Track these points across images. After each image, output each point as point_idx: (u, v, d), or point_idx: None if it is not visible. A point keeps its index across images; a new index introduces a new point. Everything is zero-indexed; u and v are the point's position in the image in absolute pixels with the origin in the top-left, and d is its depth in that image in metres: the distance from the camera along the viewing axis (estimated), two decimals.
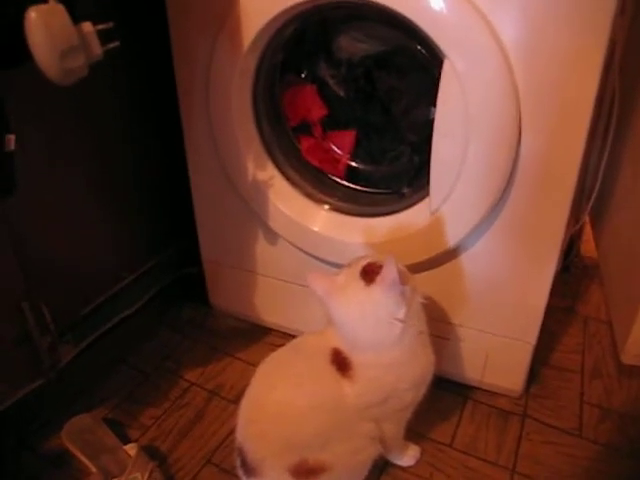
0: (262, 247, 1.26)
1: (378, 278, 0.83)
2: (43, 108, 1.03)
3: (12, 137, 0.77)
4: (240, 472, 0.92)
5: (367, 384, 0.87)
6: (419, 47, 1.00)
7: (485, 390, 1.20)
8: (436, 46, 0.88)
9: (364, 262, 0.86)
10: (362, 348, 0.87)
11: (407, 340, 0.87)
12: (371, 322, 0.85)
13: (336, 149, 1.20)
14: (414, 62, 1.04)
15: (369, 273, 0.84)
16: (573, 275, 1.60)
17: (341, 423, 0.88)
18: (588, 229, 1.68)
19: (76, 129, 1.12)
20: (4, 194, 0.82)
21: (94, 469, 1.00)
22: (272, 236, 1.22)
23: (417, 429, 1.08)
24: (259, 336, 1.36)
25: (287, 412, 0.86)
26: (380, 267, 0.83)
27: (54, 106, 1.05)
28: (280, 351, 0.94)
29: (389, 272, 0.81)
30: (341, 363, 0.87)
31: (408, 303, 0.84)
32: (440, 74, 0.89)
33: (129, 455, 1.02)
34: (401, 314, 0.84)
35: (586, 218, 1.56)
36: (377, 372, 0.87)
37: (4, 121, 0.77)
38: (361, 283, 0.84)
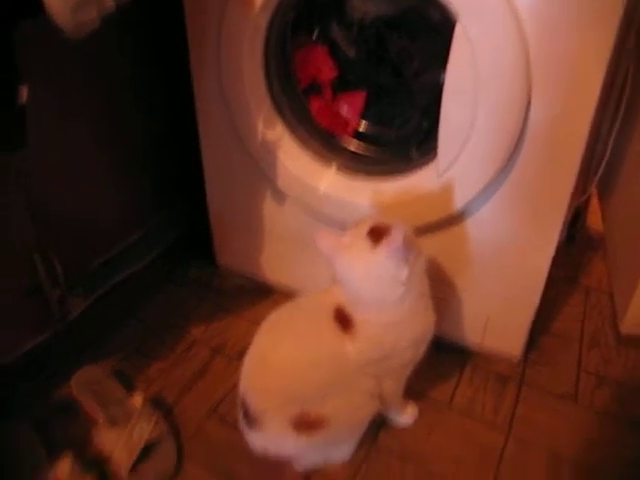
0: (270, 206, 1.27)
1: (384, 241, 0.84)
2: (52, 64, 1.03)
3: (24, 89, 0.77)
4: (242, 424, 0.95)
5: (368, 341, 0.89)
6: (431, 10, 0.99)
7: (484, 355, 1.22)
8: (448, 9, 0.87)
9: (371, 223, 0.87)
10: (364, 306, 0.89)
11: (408, 301, 0.89)
12: (374, 282, 0.87)
13: (346, 111, 1.19)
14: (426, 25, 1.03)
15: (376, 235, 0.85)
16: (577, 246, 1.60)
17: (342, 378, 0.90)
18: (595, 201, 1.68)
19: (85, 85, 1.12)
20: (17, 147, 0.83)
21: (102, 418, 1.03)
22: (279, 195, 1.22)
23: (416, 388, 1.10)
24: (264, 295, 1.38)
25: (289, 366, 0.88)
26: (387, 229, 0.84)
27: (62, 62, 1.05)
28: (284, 307, 0.96)
29: (396, 238, 0.82)
30: (343, 320, 0.89)
31: (411, 267, 0.85)
32: (452, 37, 0.88)
33: (135, 406, 1.05)
34: (403, 276, 0.85)
35: (594, 189, 1.56)
36: (378, 330, 0.89)
37: (16, 72, 0.77)
38: (367, 244, 0.85)
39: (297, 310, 0.96)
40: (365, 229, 0.87)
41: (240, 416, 0.96)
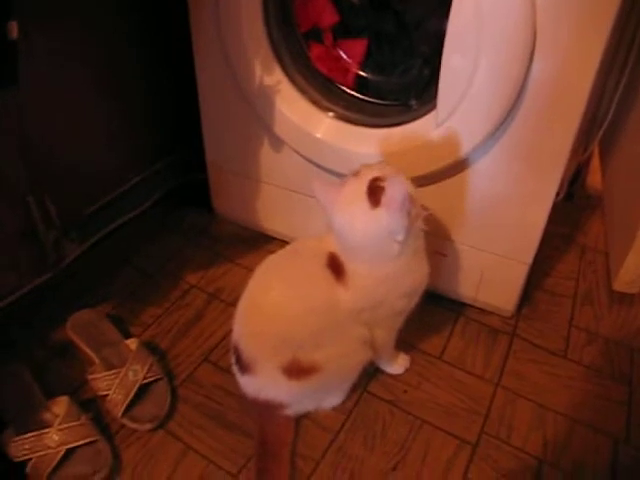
0: (267, 154, 1.26)
1: (383, 200, 0.82)
2: (48, 8, 1.00)
3: (14, 24, 0.75)
4: (235, 369, 0.97)
5: (359, 292, 0.89)
6: None
7: (478, 308, 1.24)
8: None
9: (371, 175, 0.85)
10: (357, 258, 0.89)
11: (403, 257, 0.88)
12: (370, 240, 0.86)
13: (346, 58, 1.17)
14: None
15: (376, 193, 0.83)
16: (576, 204, 1.60)
17: (334, 325, 0.90)
18: (596, 160, 1.67)
19: (81, 28, 1.09)
20: (8, 83, 0.81)
21: (97, 360, 1.05)
22: (277, 143, 1.21)
23: (409, 340, 1.12)
24: (260, 244, 1.39)
25: (282, 312, 0.89)
26: (387, 187, 0.83)
27: (60, 6, 1.03)
28: (278, 253, 0.96)
29: (395, 198, 0.81)
30: (336, 268, 0.89)
31: (409, 227, 0.85)
32: None
33: (130, 349, 1.06)
34: (401, 237, 0.84)
35: (596, 148, 1.54)
36: (369, 282, 0.89)
37: (7, 7, 0.75)
38: (366, 203, 0.84)
39: (291, 256, 0.96)
40: (365, 183, 0.85)
41: (233, 361, 0.97)
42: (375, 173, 0.85)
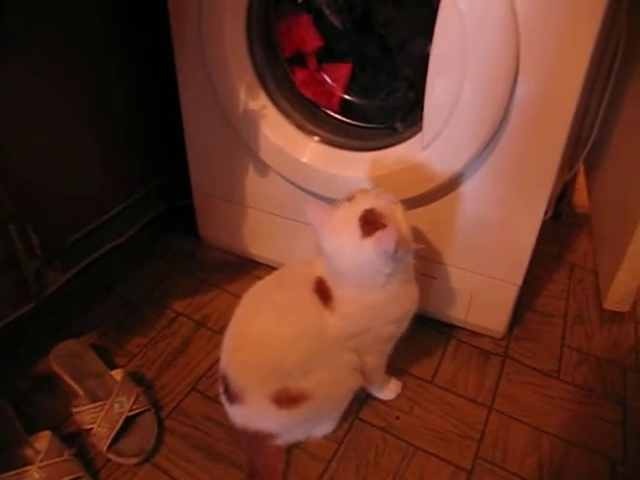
0: (252, 179, 1.25)
1: (376, 235, 0.81)
2: (31, 31, 1.00)
3: None
4: (224, 398, 0.95)
5: (346, 318, 0.88)
6: None
7: (468, 330, 1.22)
8: None
9: (367, 204, 0.84)
10: (345, 285, 0.88)
11: (390, 286, 0.87)
12: (357, 268, 0.85)
13: (331, 82, 1.17)
14: None
15: (368, 224, 0.82)
16: (563, 223, 1.60)
17: (323, 352, 0.89)
18: (582, 179, 1.68)
19: (65, 53, 1.10)
20: None
21: (81, 392, 1.02)
22: (262, 167, 1.20)
23: (400, 365, 1.10)
24: (247, 269, 1.37)
25: (270, 340, 0.87)
26: (381, 221, 0.82)
27: (43, 30, 1.03)
28: (265, 280, 0.95)
29: (388, 238, 0.79)
30: (324, 293, 0.88)
31: (398, 262, 0.84)
32: (438, 6, 0.85)
33: (115, 380, 1.04)
34: (388, 270, 0.84)
35: (581, 167, 1.55)
36: (356, 309, 0.88)
37: None
38: (357, 232, 0.82)
39: (278, 282, 0.95)
40: (359, 211, 0.83)
41: (221, 390, 0.95)
42: (371, 202, 0.84)
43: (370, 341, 0.92)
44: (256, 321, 0.90)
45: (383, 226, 0.81)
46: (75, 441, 0.97)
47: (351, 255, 0.84)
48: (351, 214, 0.84)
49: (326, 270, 0.89)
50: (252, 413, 0.91)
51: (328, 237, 0.86)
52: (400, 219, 0.84)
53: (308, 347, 0.88)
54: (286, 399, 0.88)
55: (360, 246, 0.82)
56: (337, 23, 1.14)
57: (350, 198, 0.87)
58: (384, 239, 0.80)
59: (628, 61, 1.27)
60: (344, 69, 1.16)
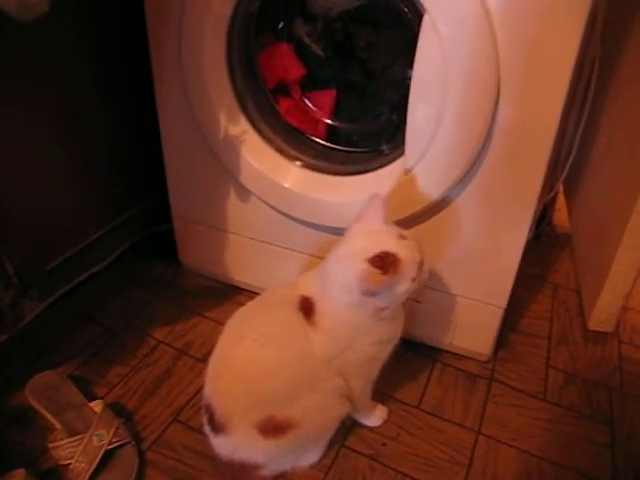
0: (233, 204, 1.23)
1: (382, 278, 0.80)
2: (5, 56, 0.99)
3: None
4: (207, 429, 0.92)
5: (327, 333, 0.87)
6: (398, 1, 0.97)
7: (454, 353, 1.22)
8: (417, 0, 0.85)
9: (386, 242, 0.83)
10: (328, 298, 0.87)
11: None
12: (352, 296, 0.84)
13: (315, 109, 1.17)
14: (393, 18, 1.01)
15: (379, 264, 0.80)
16: (544, 243, 1.62)
17: (309, 375, 0.87)
18: (562, 199, 1.70)
19: (42, 79, 1.08)
20: None
21: (59, 425, 0.99)
22: (243, 193, 1.19)
23: (385, 390, 1.09)
24: (229, 295, 1.35)
25: (255, 366, 0.86)
26: (393, 260, 0.81)
27: (23, 60, 1.02)
28: (248, 305, 0.94)
29: (373, 281, 0.80)
30: (308, 309, 0.87)
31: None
32: (419, 30, 0.86)
33: (94, 412, 1.01)
34: (384, 305, 0.84)
35: (560, 187, 1.57)
36: (336, 323, 0.87)
37: None
38: (365, 265, 0.81)
39: (261, 306, 0.93)
40: (375, 247, 0.82)
41: (205, 421, 0.92)
42: (390, 244, 0.83)
43: (354, 362, 0.90)
44: (240, 347, 0.88)
45: (392, 269, 0.80)
46: (51, 478, 0.93)
47: (351, 282, 0.82)
48: (366, 247, 0.82)
49: (315, 283, 0.88)
50: (237, 443, 0.89)
51: (335, 258, 0.85)
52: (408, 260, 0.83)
53: (294, 371, 0.86)
54: (272, 428, 0.86)
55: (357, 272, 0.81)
56: (318, 51, 1.14)
57: (370, 229, 0.86)
58: (370, 279, 0.80)
59: (603, 80, 1.29)
60: (328, 96, 1.16)
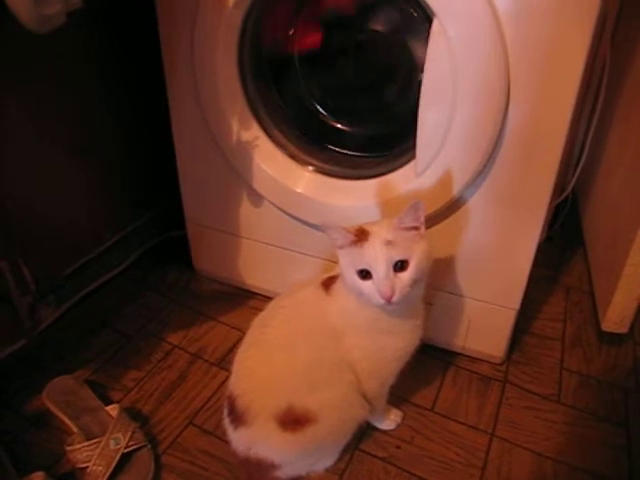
0: (246, 210, 1.25)
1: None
2: (24, 76, 1.02)
3: None
4: (227, 422, 0.92)
5: (339, 302, 0.88)
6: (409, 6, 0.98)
7: (467, 356, 1.22)
8: (426, 4, 0.86)
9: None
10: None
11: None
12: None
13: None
14: (404, 22, 1.02)
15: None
16: (557, 245, 1.61)
17: (326, 355, 0.88)
18: (574, 200, 1.69)
19: (56, 91, 1.10)
20: None
21: (76, 429, 1.00)
22: (256, 198, 1.20)
23: (399, 393, 1.09)
24: (242, 300, 1.36)
25: (275, 350, 0.88)
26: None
27: (33, 68, 1.04)
28: (280, 297, 0.96)
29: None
30: (328, 284, 0.90)
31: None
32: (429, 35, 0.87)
33: (111, 416, 1.02)
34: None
35: (572, 188, 1.56)
36: (347, 302, 0.88)
37: None
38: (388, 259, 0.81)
39: (291, 294, 0.95)
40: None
41: (225, 414, 0.93)
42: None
43: (369, 354, 0.90)
44: (263, 334, 0.90)
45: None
46: None
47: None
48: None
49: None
50: (256, 436, 0.88)
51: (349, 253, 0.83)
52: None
53: (311, 343, 0.88)
54: (291, 420, 0.86)
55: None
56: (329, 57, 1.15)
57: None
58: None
59: (614, 83, 1.29)
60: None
